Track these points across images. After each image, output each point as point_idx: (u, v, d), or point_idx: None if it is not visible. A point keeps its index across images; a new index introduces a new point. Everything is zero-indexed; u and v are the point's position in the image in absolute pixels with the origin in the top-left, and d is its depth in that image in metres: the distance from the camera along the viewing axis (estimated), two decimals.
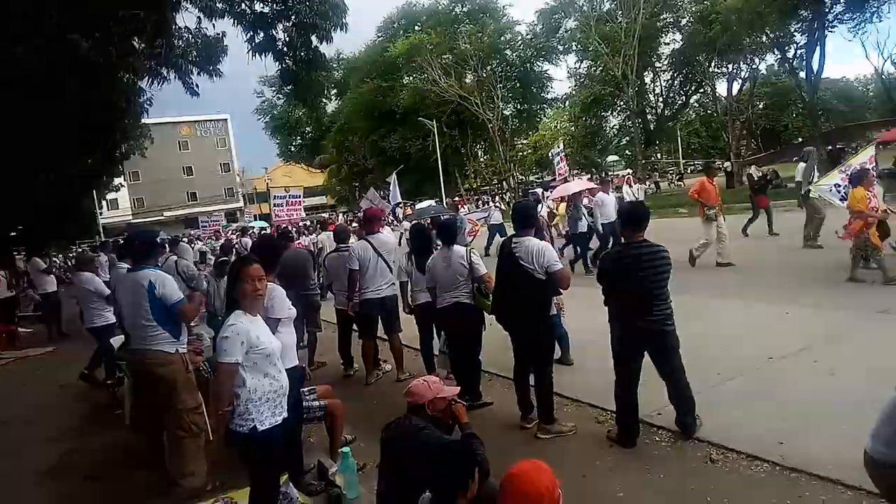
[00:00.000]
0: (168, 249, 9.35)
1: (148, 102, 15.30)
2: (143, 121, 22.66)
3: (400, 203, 17.22)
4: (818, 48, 27.18)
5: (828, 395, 4.58)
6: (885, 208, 8.07)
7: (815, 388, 4.76)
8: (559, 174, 17.74)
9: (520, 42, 44.30)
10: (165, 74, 8.92)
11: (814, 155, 11.70)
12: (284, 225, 18.01)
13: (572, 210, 11.21)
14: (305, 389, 4.35)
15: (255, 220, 37.18)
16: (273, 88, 53.58)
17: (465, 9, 46.11)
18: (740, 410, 4.51)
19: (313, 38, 8.27)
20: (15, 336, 11.88)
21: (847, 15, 25.93)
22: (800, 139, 40.47)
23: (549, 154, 19.03)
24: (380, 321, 6.57)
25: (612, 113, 43.63)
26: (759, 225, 12.76)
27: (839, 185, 8.54)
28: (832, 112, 48.36)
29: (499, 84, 41.25)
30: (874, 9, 24.93)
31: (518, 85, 45.44)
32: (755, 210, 13.05)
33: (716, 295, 8.25)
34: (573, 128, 47.00)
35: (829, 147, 25.37)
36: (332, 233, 13.15)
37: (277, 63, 8.69)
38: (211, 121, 64.50)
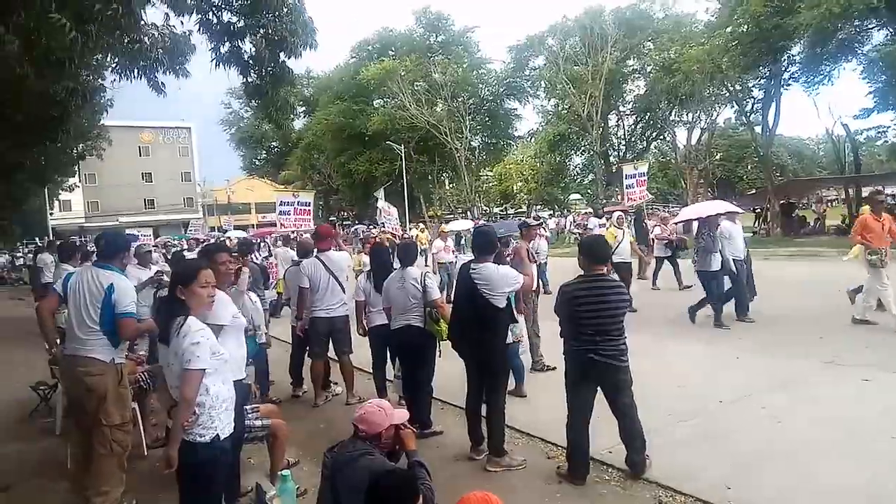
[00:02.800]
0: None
1: (109, 103, 14.86)
2: (102, 122, 22.13)
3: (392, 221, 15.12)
4: (774, 104, 28.43)
5: (775, 441, 4.62)
6: None
7: (764, 433, 4.79)
8: (631, 199, 15.10)
9: (492, 78, 45.02)
10: (129, 71, 8.60)
11: None
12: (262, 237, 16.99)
13: (705, 239, 8.97)
14: (248, 407, 4.16)
15: (232, 229, 35.40)
16: (241, 100, 53.17)
17: (439, 39, 46.75)
18: (690, 452, 4.49)
19: (281, 53, 8.11)
20: None
21: (801, 75, 27.19)
22: (753, 191, 41.99)
23: (624, 174, 15.55)
24: (331, 342, 6.39)
25: (576, 152, 44.53)
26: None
27: None
28: (784, 167, 50.51)
29: (468, 116, 41.69)
30: (826, 72, 26.22)
31: (487, 119, 46.08)
32: None
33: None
34: (538, 163, 47.79)
35: (781, 201, 26.53)
36: (285, 249, 13.06)
37: (242, 76, 8.50)
38: (174, 128, 63.32)
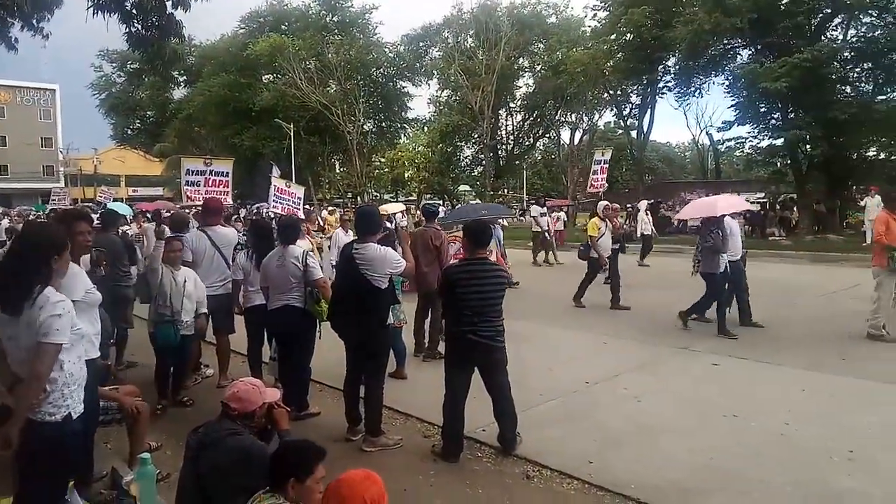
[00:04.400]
0: None
1: None
2: None
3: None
4: (649, 111, 30.59)
5: (634, 419, 4.98)
6: None
7: (625, 412, 5.15)
8: (593, 187, 15.46)
9: (384, 61, 44.61)
10: None
11: None
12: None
13: (713, 238, 7.93)
14: (106, 388, 3.86)
15: (111, 202, 30.15)
16: (114, 65, 48.91)
17: (335, 18, 45.53)
18: (557, 430, 4.74)
19: (168, 3, 7.56)
20: None
21: (675, 86, 29.39)
22: (626, 190, 44.97)
23: (594, 159, 16.12)
24: (210, 320, 6.07)
25: (466, 144, 45.29)
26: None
27: None
28: (655, 170, 54.46)
29: (361, 98, 41.07)
30: (697, 85, 28.53)
31: (380, 102, 45.61)
32: None
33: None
34: (430, 153, 48.14)
35: (650, 200, 28.61)
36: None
37: (125, 26, 7.82)
38: (36, 89, 57.34)
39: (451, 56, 37.21)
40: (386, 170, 56.80)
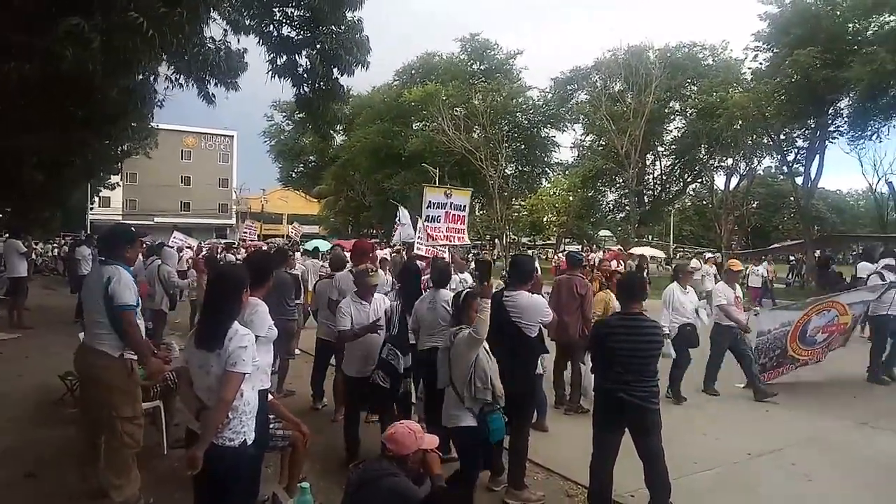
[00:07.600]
0: (153, 254, 9.20)
1: (159, 104, 15.27)
2: (150, 124, 22.69)
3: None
4: (817, 157, 28.03)
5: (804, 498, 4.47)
6: None
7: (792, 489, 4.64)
8: None
9: (530, 107, 45.33)
10: (185, 78, 8.86)
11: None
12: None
13: None
14: (284, 410, 4.19)
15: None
16: (284, 114, 54.29)
17: (482, 67, 47.26)
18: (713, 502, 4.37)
19: (334, 69, 8.30)
20: None
21: (848, 130, 26.83)
22: (788, 241, 41.28)
23: None
24: None
25: (610, 188, 44.32)
26: None
27: None
28: (822, 220, 49.62)
29: (504, 143, 41.89)
30: (874, 128, 25.83)
31: (523, 146, 46.26)
32: None
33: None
34: (570, 197, 47.69)
35: (817, 253, 25.99)
36: (314, 261, 13.01)
37: (295, 88, 8.71)
38: (217, 135, 64.82)
39: (598, 100, 36.87)
40: (525, 213, 57.14)
